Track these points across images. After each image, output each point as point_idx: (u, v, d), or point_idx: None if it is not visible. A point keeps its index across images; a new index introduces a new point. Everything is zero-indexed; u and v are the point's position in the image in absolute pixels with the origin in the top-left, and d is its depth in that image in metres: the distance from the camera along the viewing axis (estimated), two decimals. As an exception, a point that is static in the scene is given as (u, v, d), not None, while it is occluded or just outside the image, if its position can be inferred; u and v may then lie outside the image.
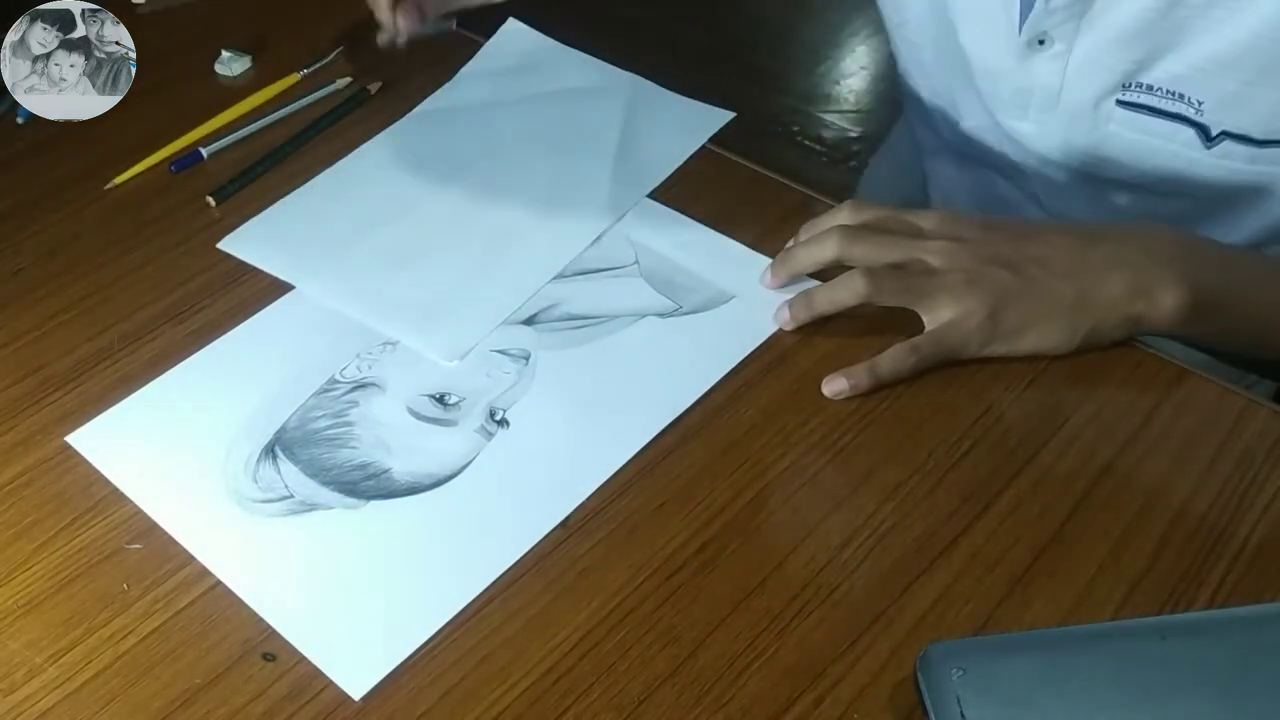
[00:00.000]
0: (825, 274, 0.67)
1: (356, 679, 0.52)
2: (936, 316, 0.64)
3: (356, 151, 0.81)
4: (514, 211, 0.75)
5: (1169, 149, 0.70)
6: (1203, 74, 0.67)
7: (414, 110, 0.84)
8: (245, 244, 0.74)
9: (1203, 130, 0.68)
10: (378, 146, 0.81)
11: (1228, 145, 0.68)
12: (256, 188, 0.79)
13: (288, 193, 0.78)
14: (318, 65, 0.89)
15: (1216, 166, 0.70)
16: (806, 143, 2.11)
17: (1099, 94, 0.71)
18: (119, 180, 0.79)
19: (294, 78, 0.88)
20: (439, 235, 0.74)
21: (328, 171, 0.79)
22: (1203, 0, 0.64)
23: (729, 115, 0.81)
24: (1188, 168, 0.71)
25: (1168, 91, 0.68)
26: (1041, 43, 0.71)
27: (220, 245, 0.74)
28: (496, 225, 0.75)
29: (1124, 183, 0.75)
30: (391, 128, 0.83)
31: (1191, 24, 0.65)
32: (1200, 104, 0.68)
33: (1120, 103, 0.71)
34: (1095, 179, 0.76)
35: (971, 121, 0.82)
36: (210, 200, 0.77)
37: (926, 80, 0.85)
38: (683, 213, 0.75)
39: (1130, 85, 0.70)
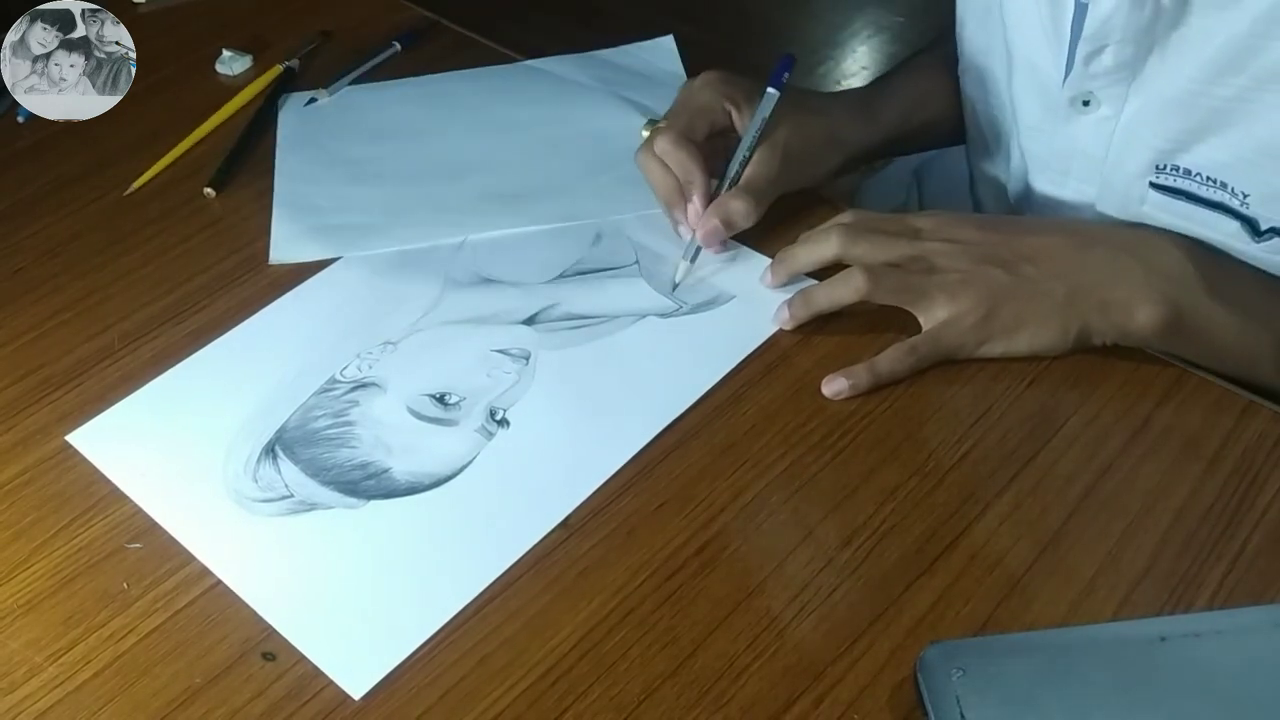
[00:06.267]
0: (823, 275, 0.67)
1: (356, 678, 0.52)
2: (933, 316, 0.64)
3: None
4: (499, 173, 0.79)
5: (1214, 238, 0.65)
6: (1249, 165, 0.62)
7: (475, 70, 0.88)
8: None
9: (1250, 224, 0.63)
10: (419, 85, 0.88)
11: (1278, 242, 0.64)
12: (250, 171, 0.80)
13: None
14: (302, 53, 0.90)
15: (1266, 261, 0.65)
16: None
17: (1136, 172, 0.67)
18: (138, 184, 0.79)
19: (277, 70, 0.89)
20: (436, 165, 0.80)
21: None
22: (1252, 81, 0.60)
23: None
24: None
25: (1208, 179, 0.64)
26: (1086, 104, 0.67)
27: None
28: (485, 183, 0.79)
29: None
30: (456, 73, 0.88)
31: (1240, 108, 0.61)
32: (1245, 196, 0.63)
33: (1154, 185, 0.66)
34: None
35: (1014, 185, 0.78)
36: (209, 191, 0.78)
37: (978, 134, 0.82)
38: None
39: (1165, 168, 0.65)
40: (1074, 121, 0.69)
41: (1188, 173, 0.65)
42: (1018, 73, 0.73)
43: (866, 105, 0.80)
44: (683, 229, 0.72)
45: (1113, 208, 0.70)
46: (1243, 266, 0.65)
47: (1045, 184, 0.74)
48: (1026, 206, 0.78)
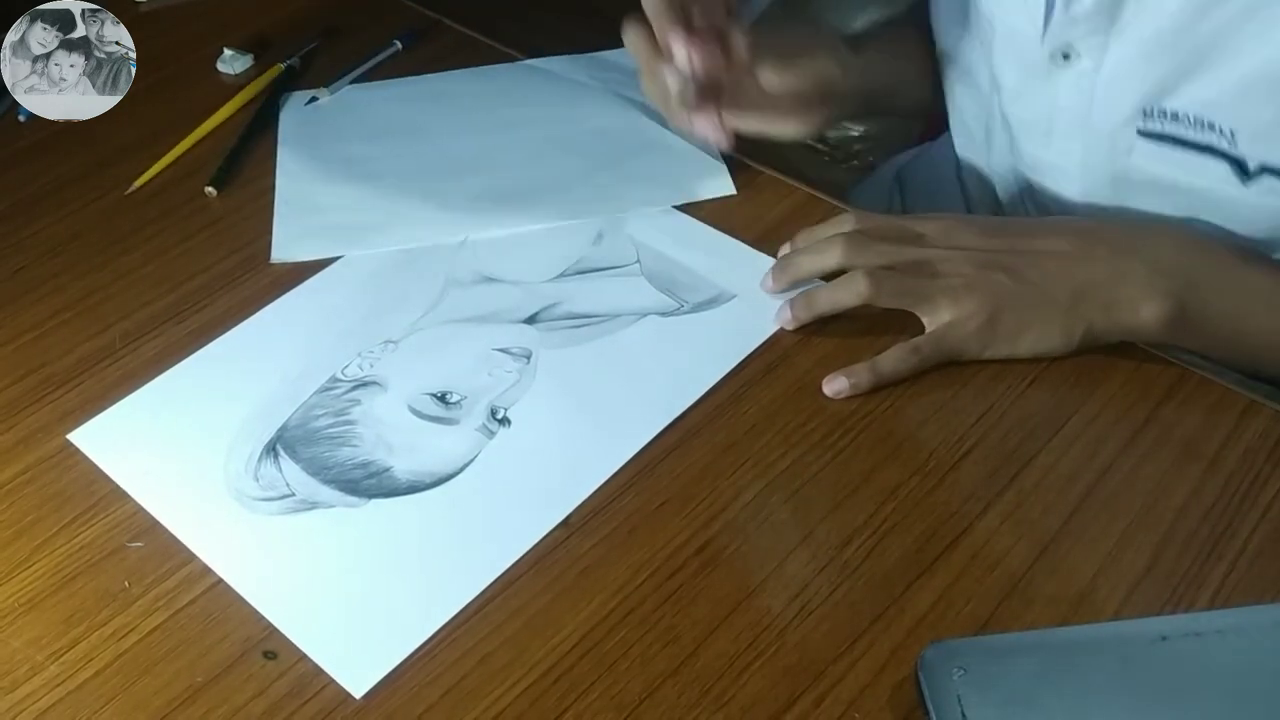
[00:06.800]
0: (825, 276, 0.67)
1: (357, 677, 0.52)
2: (936, 319, 0.64)
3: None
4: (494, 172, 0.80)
5: (1202, 184, 0.65)
6: (1235, 99, 0.61)
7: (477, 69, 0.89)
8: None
9: (1238, 164, 0.63)
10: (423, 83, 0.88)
11: (1269, 181, 0.62)
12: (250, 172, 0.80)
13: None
14: (303, 52, 0.90)
15: (1257, 205, 0.64)
16: (809, 142, 2.11)
17: (1122, 120, 0.67)
18: (139, 184, 0.79)
19: (278, 69, 0.89)
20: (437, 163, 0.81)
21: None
22: (1235, 12, 0.59)
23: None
24: (1223, 205, 0.65)
25: (1195, 120, 0.63)
26: (1066, 57, 0.67)
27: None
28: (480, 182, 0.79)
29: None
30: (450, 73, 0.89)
31: (1223, 41, 0.60)
32: (1233, 134, 0.62)
33: (1141, 133, 0.66)
34: (1123, 218, 0.72)
35: (998, 157, 0.78)
36: (210, 190, 0.78)
37: (960, 118, 0.82)
38: (684, 211, 0.75)
39: (1152, 113, 0.65)
40: (1054, 78, 0.69)
41: (1175, 116, 0.64)
42: (998, 39, 0.73)
43: (849, 45, 0.78)
44: (676, 50, 0.67)
45: (1100, 162, 0.70)
46: (1244, 256, 0.65)
47: (1030, 148, 0.74)
48: (1011, 176, 0.78)
